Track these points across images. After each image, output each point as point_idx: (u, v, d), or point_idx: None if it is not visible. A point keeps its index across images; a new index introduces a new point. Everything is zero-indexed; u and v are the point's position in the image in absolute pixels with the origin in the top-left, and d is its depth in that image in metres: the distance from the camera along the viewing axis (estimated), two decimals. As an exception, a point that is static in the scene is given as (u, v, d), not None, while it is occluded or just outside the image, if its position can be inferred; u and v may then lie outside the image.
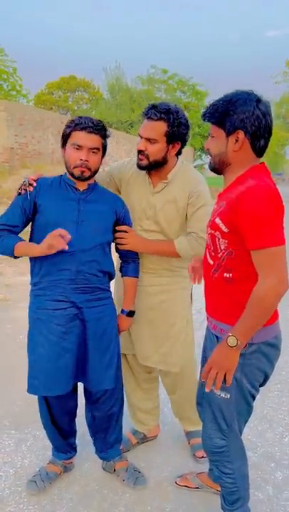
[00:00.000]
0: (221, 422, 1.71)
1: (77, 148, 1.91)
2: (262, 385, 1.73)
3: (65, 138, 1.95)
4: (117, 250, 2.16)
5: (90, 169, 1.93)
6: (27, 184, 1.97)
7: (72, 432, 2.24)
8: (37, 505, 2.05)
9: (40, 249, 1.80)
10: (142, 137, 2.05)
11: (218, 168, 1.66)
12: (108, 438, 2.23)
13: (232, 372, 1.56)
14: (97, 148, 1.93)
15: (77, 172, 1.92)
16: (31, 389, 1.99)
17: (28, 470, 2.27)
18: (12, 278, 5.62)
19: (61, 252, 1.85)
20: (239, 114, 1.52)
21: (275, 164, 55.42)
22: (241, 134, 1.54)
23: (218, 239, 1.59)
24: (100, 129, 1.91)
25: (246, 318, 1.51)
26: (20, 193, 1.98)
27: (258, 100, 1.54)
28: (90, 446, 2.36)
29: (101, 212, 1.99)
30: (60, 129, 13.77)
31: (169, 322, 2.25)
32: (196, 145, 28.71)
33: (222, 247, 1.59)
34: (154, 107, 2.02)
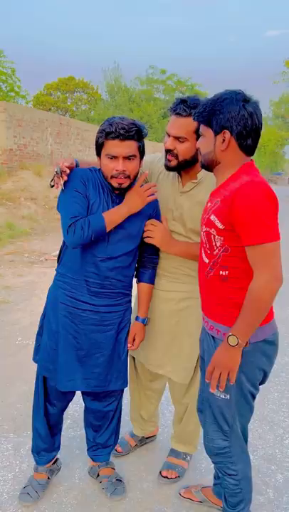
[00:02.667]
0: (222, 423, 1.71)
1: (111, 158, 1.79)
2: (261, 383, 1.73)
3: (98, 147, 1.85)
4: (140, 253, 2.06)
5: (128, 177, 1.82)
6: (59, 173, 1.83)
7: (59, 429, 2.21)
8: (36, 510, 2.03)
9: (128, 208, 1.83)
10: (169, 135, 1.91)
11: (208, 166, 1.67)
12: (97, 438, 2.20)
13: (235, 371, 1.57)
14: (134, 155, 1.80)
15: (114, 183, 1.82)
16: (35, 359, 2.08)
17: (27, 474, 2.25)
18: (11, 280, 5.60)
19: (93, 257, 1.86)
20: (225, 114, 1.54)
21: (275, 164, 55.43)
22: (227, 134, 1.56)
23: (214, 236, 1.59)
24: (133, 134, 1.77)
25: (244, 317, 1.52)
26: (52, 186, 1.88)
27: (245, 100, 1.55)
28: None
29: (134, 218, 1.90)
30: (59, 129, 13.75)
31: (186, 332, 2.12)
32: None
33: (218, 244, 1.59)
34: (183, 101, 1.87)
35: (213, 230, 1.59)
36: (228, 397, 1.66)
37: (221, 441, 1.73)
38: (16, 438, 2.55)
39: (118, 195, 1.89)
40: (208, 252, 1.65)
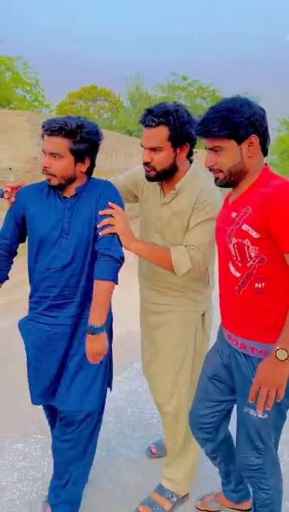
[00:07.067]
0: (258, 442, 1.64)
1: (44, 153, 1.76)
2: None
3: None
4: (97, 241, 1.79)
5: (54, 175, 1.74)
6: (1, 195, 1.88)
7: None
8: None
9: None
10: (145, 148, 1.86)
11: (235, 180, 1.57)
12: (58, 490, 1.96)
13: (284, 387, 1.48)
14: (58, 154, 1.71)
15: (47, 179, 1.78)
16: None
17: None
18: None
19: (45, 269, 1.80)
20: (250, 119, 1.48)
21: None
22: (255, 138, 1.51)
23: (248, 247, 1.50)
24: (58, 130, 1.68)
25: None
26: None
27: (251, 101, 1.52)
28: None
29: (85, 220, 1.78)
30: (82, 138, 13.76)
31: (168, 345, 2.04)
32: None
33: (252, 255, 1.50)
34: (150, 112, 1.81)
35: (246, 240, 1.49)
36: (266, 416, 1.58)
37: (254, 459, 1.67)
38: (44, 439, 2.60)
39: (70, 198, 1.81)
40: (240, 264, 1.54)
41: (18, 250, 1.96)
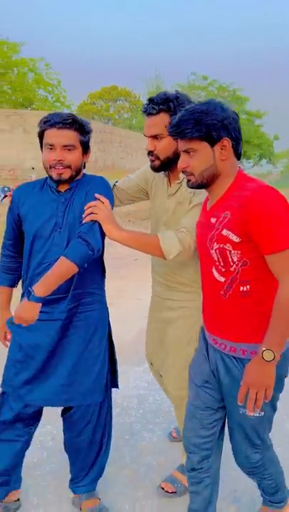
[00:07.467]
0: (256, 439, 1.68)
1: (50, 148, 1.76)
2: None
3: (41, 139, 1.82)
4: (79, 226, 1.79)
5: (68, 167, 1.77)
6: (6, 192, 1.99)
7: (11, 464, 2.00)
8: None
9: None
10: (147, 136, 1.88)
11: (208, 182, 1.59)
12: (74, 469, 2.08)
13: (272, 387, 1.50)
14: (72, 145, 1.76)
15: (54, 175, 1.77)
16: None
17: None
18: None
19: (38, 265, 1.81)
20: (223, 122, 1.51)
21: None
22: (227, 142, 1.53)
23: (230, 251, 1.52)
24: (71, 123, 1.74)
25: (276, 327, 1.45)
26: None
27: (224, 105, 1.56)
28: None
29: (77, 214, 1.79)
30: (102, 138, 14.10)
31: (183, 341, 2.03)
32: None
33: (235, 260, 1.52)
34: (150, 101, 1.85)
35: (228, 245, 1.51)
36: (262, 413, 1.59)
37: (253, 455, 1.71)
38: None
39: (65, 193, 1.84)
40: (223, 270, 1.56)
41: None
